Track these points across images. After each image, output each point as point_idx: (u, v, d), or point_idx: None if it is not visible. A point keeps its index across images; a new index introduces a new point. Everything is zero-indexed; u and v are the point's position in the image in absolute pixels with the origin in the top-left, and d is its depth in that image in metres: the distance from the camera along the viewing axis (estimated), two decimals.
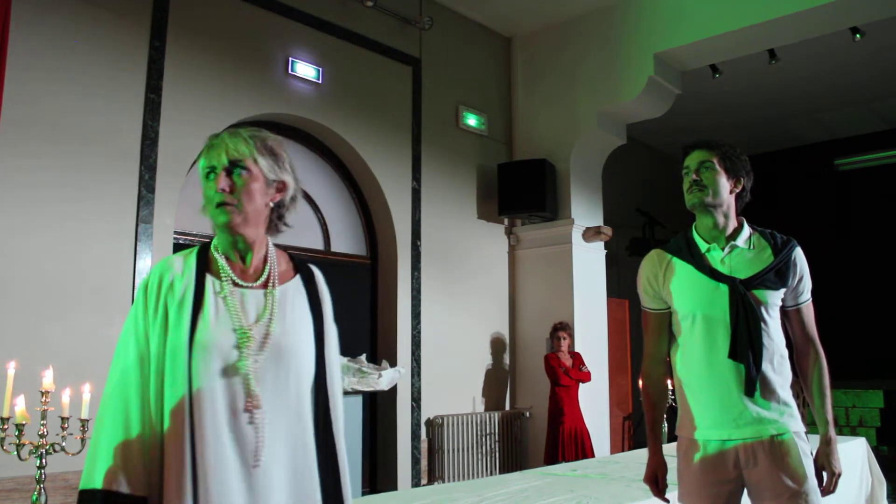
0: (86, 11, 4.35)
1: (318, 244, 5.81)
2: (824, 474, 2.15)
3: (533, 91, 7.25)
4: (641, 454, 4.17)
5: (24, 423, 2.62)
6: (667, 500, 2.32)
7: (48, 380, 2.68)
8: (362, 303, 6.07)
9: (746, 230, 2.25)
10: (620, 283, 8.30)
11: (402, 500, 3.33)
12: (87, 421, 2.79)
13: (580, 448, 5.78)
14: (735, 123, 9.19)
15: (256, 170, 1.56)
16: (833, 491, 2.17)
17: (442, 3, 6.67)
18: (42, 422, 2.66)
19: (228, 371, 1.46)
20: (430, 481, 5.97)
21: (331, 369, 1.60)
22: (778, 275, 2.16)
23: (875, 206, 9.57)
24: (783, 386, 2.15)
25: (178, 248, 4.71)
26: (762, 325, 2.12)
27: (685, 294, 2.21)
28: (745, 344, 2.09)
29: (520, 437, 6.76)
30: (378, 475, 5.88)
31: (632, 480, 3.43)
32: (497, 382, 6.80)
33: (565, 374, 5.93)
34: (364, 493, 5.10)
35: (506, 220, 7.09)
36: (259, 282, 1.58)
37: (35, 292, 4.00)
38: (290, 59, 5.41)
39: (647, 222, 8.92)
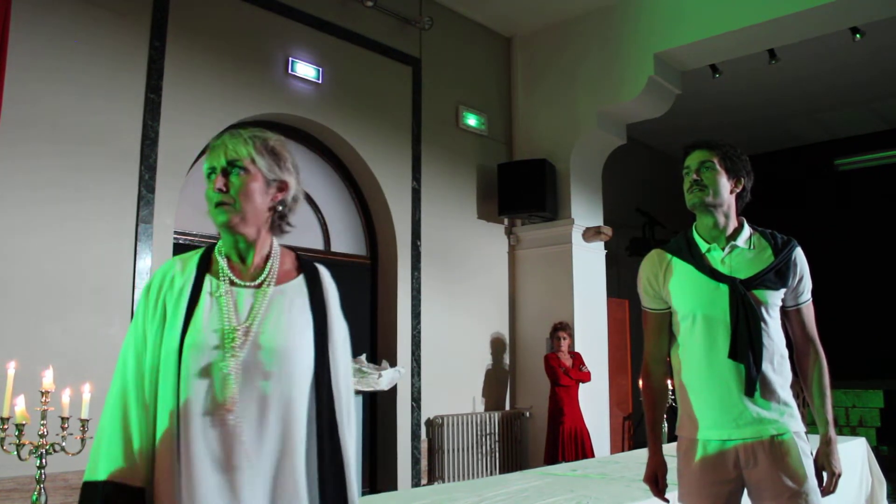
0: (86, 11, 4.35)
1: (318, 244, 5.81)
2: (824, 474, 2.15)
3: (533, 91, 7.25)
4: (641, 454, 4.17)
5: (24, 423, 2.62)
6: (667, 500, 2.32)
7: (48, 380, 2.68)
8: (362, 303, 6.07)
9: (747, 230, 2.25)
10: (620, 283, 8.30)
11: (402, 500, 3.33)
12: (87, 421, 2.79)
13: (580, 448, 5.78)
14: (735, 123, 9.19)
15: (255, 169, 1.56)
16: (833, 491, 2.16)
17: (442, 3, 6.67)
18: (42, 422, 2.66)
19: (211, 370, 1.48)
20: (430, 481, 5.97)
21: (336, 370, 1.58)
22: (778, 275, 2.16)
23: (875, 206, 9.57)
24: (783, 386, 2.15)
25: (177, 247, 4.71)
26: (762, 325, 2.12)
27: (685, 294, 2.21)
28: (745, 344, 2.09)
29: (520, 437, 6.76)
30: (378, 475, 5.88)
31: (632, 480, 3.43)
32: (497, 382, 6.80)
33: (565, 374, 5.93)
34: (364, 493, 5.10)
35: (506, 220, 7.09)
36: (256, 281, 1.58)
37: (35, 292, 4.00)
38: (290, 59, 5.41)
39: (647, 222, 8.92)
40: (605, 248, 7.17)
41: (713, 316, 2.15)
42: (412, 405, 5.95)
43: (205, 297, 1.54)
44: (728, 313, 2.12)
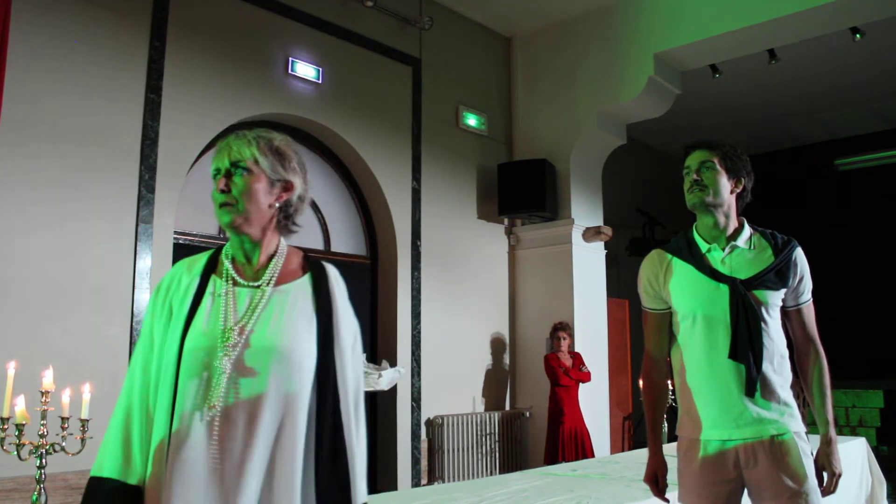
0: (86, 11, 4.35)
1: (318, 244, 5.81)
2: (825, 474, 2.15)
3: (533, 91, 7.25)
4: (641, 454, 4.17)
5: (24, 423, 2.62)
6: (667, 500, 2.32)
7: (48, 380, 2.68)
8: (362, 303, 6.07)
9: (747, 230, 2.25)
10: (620, 283, 8.30)
11: (402, 500, 3.33)
12: (87, 421, 2.79)
13: (580, 448, 5.78)
14: (735, 123, 9.19)
15: (258, 170, 1.57)
16: (833, 491, 2.17)
17: (442, 3, 6.67)
18: (42, 422, 2.66)
19: (206, 369, 1.49)
20: (430, 481, 5.97)
21: (343, 371, 1.57)
22: (778, 275, 2.16)
23: (875, 206, 9.57)
24: (783, 386, 2.15)
25: (177, 247, 4.71)
26: (762, 325, 2.12)
27: (685, 294, 2.21)
28: (745, 344, 2.09)
29: (520, 437, 6.76)
30: (378, 475, 5.88)
31: (632, 480, 3.43)
32: (497, 382, 6.80)
33: (565, 374, 5.93)
34: None
35: (506, 220, 7.09)
36: (258, 281, 1.59)
37: (35, 292, 4.00)
38: (290, 59, 5.41)
39: (647, 222, 8.92)
40: (605, 248, 7.17)
41: (713, 316, 2.15)
42: (412, 405, 5.95)
43: (207, 298, 1.56)
44: (728, 313, 2.13)
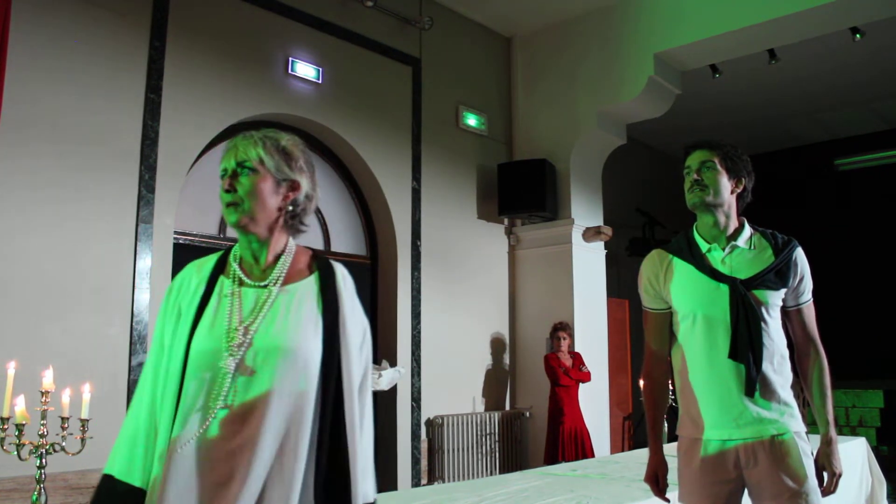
0: (86, 11, 4.35)
1: (318, 244, 5.81)
2: (825, 474, 2.15)
3: (533, 91, 7.25)
4: (641, 454, 4.17)
5: (24, 423, 2.62)
6: (667, 500, 2.32)
7: (48, 380, 2.68)
8: (362, 303, 6.03)
9: (747, 230, 2.25)
10: (620, 283, 8.30)
11: (402, 500, 3.33)
12: (87, 421, 2.79)
13: (580, 448, 5.78)
14: (735, 123, 9.19)
15: (264, 170, 1.57)
16: (833, 491, 2.17)
17: (442, 3, 6.67)
18: (42, 422, 2.66)
19: (211, 370, 1.49)
20: (430, 481, 5.97)
21: (348, 369, 1.57)
22: (778, 275, 2.16)
23: (875, 206, 9.57)
24: (783, 386, 2.15)
25: (177, 247, 4.71)
26: (762, 325, 2.12)
27: (686, 294, 2.21)
28: (745, 344, 2.09)
29: (520, 437, 6.76)
30: (378, 475, 5.86)
31: (632, 480, 3.43)
32: (497, 382, 6.80)
33: (565, 374, 5.93)
34: None
35: (506, 220, 7.09)
36: (265, 281, 1.59)
37: (35, 292, 3.99)
38: (290, 59, 5.41)
39: (647, 222, 8.91)
40: (605, 248, 7.17)
41: (713, 316, 2.15)
42: (412, 405, 5.95)
43: (214, 298, 1.57)
44: (728, 313, 2.13)
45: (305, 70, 5.49)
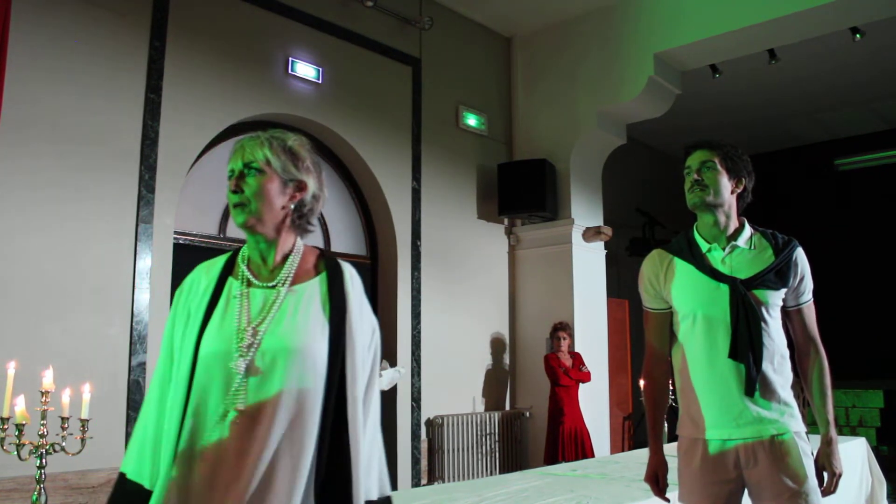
0: (86, 11, 4.35)
1: (318, 244, 5.80)
2: (825, 474, 2.15)
3: (533, 91, 7.25)
4: (641, 454, 4.17)
5: (24, 423, 2.62)
6: (667, 500, 2.32)
7: (48, 380, 2.68)
8: None
9: (748, 230, 2.25)
10: (620, 283, 8.30)
11: (402, 500, 3.33)
12: (87, 421, 2.79)
13: (580, 448, 5.78)
14: (735, 123, 9.19)
15: (270, 171, 1.58)
16: (833, 491, 2.16)
17: (442, 3, 6.67)
18: (42, 422, 2.66)
19: (220, 372, 1.49)
20: (430, 481, 5.97)
21: (353, 368, 1.57)
22: (779, 275, 2.16)
23: (875, 206, 9.57)
24: (784, 386, 2.15)
25: (177, 248, 4.71)
26: (762, 325, 2.12)
27: (686, 294, 2.21)
28: (745, 344, 2.09)
29: (520, 437, 6.76)
30: None
31: (632, 480, 3.43)
32: (497, 382, 6.80)
33: (565, 374, 5.93)
34: None
35: (506, 220, 7.09)
36: (273, 282, 1.59)
37: (35, 292, 3.99)
38: (290, 59, 5.41)
39: (647, 222, 8.92)
40: (605, 248, 7.17)
41: (713, 316, 2.15)
42: (412, 405, 5.95)
43: (223, 300, 1.57)
44: (728, 313, 2.13)
45: (305, 70, 5.49)
